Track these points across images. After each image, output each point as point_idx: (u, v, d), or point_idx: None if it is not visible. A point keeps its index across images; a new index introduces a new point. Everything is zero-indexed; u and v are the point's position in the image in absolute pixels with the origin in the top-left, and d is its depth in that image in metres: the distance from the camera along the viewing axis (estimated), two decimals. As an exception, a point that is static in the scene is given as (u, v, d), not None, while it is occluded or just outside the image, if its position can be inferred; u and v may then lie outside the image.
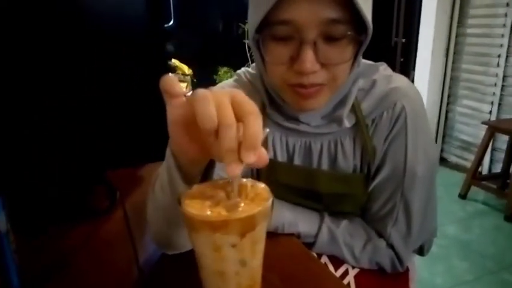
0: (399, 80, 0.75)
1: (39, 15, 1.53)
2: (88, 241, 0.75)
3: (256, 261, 0.42)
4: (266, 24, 0.61)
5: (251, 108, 0.39)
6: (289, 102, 0.70)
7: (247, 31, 0.67)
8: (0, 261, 0.57)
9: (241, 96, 0.40)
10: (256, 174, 0.81)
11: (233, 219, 0.37)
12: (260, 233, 0.40)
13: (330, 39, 0.61)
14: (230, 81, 0.84)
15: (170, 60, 3.11)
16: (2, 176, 0.73)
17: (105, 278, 0.65)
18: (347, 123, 0.73)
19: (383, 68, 0.77)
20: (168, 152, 0.52)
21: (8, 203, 0.59)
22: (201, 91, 0.39)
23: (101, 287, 0.63)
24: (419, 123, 0.73)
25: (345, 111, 0.73)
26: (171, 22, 2.03)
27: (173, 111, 0.44)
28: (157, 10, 1.64)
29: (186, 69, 3.27)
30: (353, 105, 0.73)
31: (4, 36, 1.43)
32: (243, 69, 0.85)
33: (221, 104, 0.38)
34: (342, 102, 0.73)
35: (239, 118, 0.38)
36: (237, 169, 0.38)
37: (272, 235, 0.74)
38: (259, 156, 0.39)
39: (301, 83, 0.64)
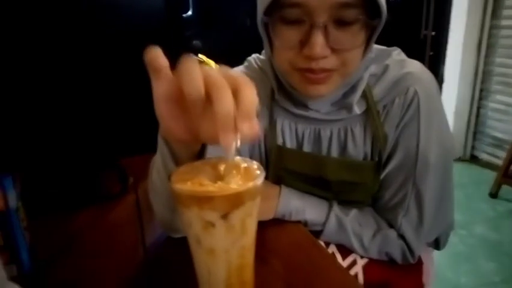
0: (413, 65, 0.73)
1: (61, 9, 1.58)
2: (98, 223, 0.77)
3: (247, 240, 0.41)
4: (276, 6, 0.60)
5: (243, 79, 0.37)
6: (297, 87, 0.69)
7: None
8: (11, 237, 0.59)
9: (231, 70, 0.38)
10: (266, 160, 0.80)
11: (220, 195, 0.37)
12: (249, 211, 0.39)
13: (341, 23, 0.60)
14: (240, 67, 0.84)
15: (197, 55, 3.15)
16: (16, 157, 0.76)
17: (113, 258, 0.66)
18: (357, 110, 0.72)
19: (396, 53, 0.75)
20: (160, 139, 0.51)
21: (21, 183, 0.62)
22: (188, 61, 0.37)
23: (108, 267, 0.64)
24: (433, 109, 0.70)
25: (356, 97, 0.71)
26: (189, 12, 2.04)
27: (159, 86, 0.40)
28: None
29: (213, 64, 3.30)
30: (363, 91, 0.71)
31: (26, 24, 1.48)
32: (253, 55, 0.84)
33: (210, 73, 0.36)
34: (352, 89, 0.71)
35: (232, 90, 0.36)
36: (231, 139, 0.36)
37: (278, 222, 0.74)
38: (254, 129, 0.36)
39: (310, 67, 0.62)
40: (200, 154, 0.49)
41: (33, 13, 1.58)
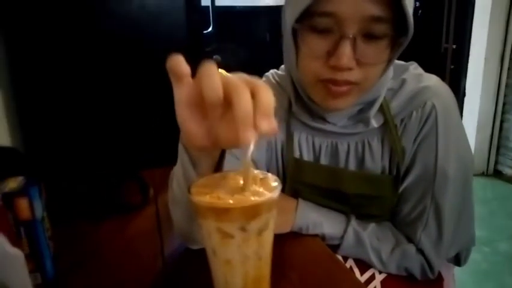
0: (430, 79, 0.73)
1: (89, 30, 1.64)
2: (119, 233, 0.79)
3: (264, 252, 0.42)
4: (306, 15, 0.61)
5: (259, 82, 0.39)
6: (316, 99, 0.69)
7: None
8: (36, 246, 0.61)
9: (248, 75, 0.40)
10: (283, 173, 0.81)
11: (237, 207, 0.38)
12: (266, 223, 0.40)
13: (370, 37, 0.61)
14: None
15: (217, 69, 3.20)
16: (42, 167, 0.79)
17: (133, 268, 0.68)
18: (375, 124, 0.72)
19: (413, 67, 0.75)
20: (181, 147, 0.52)
21: (46, 193, 0.64)
22: (207, 66, 0.39)
23: (128, 277, 0.65)
24: (451, 122, 0.70)
25: (373, 111, 0.71)
26: (210, 28, 2.09)
27: (180, 92, 0.42)
28: (196, 17, 1.70)
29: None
30: (381, 105, 0.72)
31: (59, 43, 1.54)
32: (271, 71, 0.85)
33: (228, 77, 0.39)
34: (370, 103, 0.71)
35: (250, 91, 0.38)
36: (251, 136, 0.37)
37: (296, 235, 0.74)
38: (272, 126, 0.38)
39: (334, 78, 0.63)
40: (219, 163, 0.51)
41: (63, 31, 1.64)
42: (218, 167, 0.51)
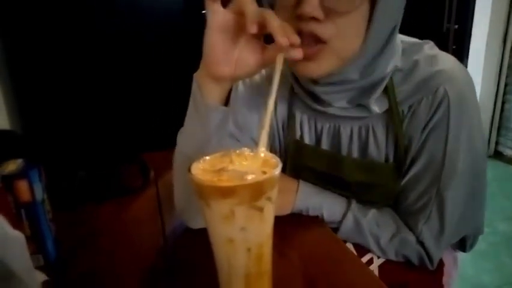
0: (445, 61, 0.67)
1: (86, 15, 1.61)
2: (120, 215, 0.79)
3: (266, 229, 0.42)
4: None
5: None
6: (290, 65, 0.66)
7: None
8: (37, 228, 0.61)
9: None
10: (285, 156, 0.80)
11: (241, 185, 0.38)
12: (268, 200, 0.40)
13: None
14: None
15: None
16: (41, 150, 0.78)
17: (134, 250, 0.68)
18: (377, 109, 0.68)
19: (429, 47, 0.69)
20: (194, 82, 0.58)
21: (47, 176, 0.64)
22: None
23: (129, 258, 0.66)
24: (465, 111, 0.65)
25: (373, 97, 0.67)
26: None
27: (214, 16, 0.51)
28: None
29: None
30: (387, 89, 0.67)
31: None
32: None
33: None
34: (372, 88, 0.67)
35: None
36: (286, 39, 0.47)
37: (297, 216, 0.74)
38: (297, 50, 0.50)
39: (299, 28, 0.57)
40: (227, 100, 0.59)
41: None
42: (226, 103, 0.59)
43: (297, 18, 0.58)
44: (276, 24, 0.47)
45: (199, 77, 0.57)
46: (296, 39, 0.48)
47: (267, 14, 0.48)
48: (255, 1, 0.49)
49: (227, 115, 0.59)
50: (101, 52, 1.69)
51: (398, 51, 0.68)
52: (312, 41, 0.59)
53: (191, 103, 0.60)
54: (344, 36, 0.59)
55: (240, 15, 0.50)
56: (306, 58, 0.58)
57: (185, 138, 0.63)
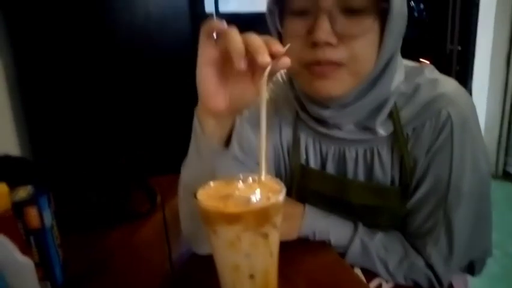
0: (447, 84, 0.68)
1: (97, 40, 1.66)
2: (127, 241, 0.79)
3: (271, 256, 0.42)
4: None
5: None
6: (304, 87, 0.67)
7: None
8: (45, 254, 0.62)
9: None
10: (290, 180, 0.81)
11: (246, 212, 0.39)
12: (273, 226, 0.41)
13: (348, 10, 0.59)
14: None
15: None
16: (51, 176, 0.80)
17: (141, 276, 0.68)
18: (383, 132, 0.69)
19: (429, 71, 0.71)
20: (195, 120, 0.57)
21: (55, 202, 0.65)
22: (230, 28, 0.48)
23: (137, 284, 0.66)
24: (468, 133, 0.66)
25: (379, 120, 0.68)
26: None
27: (205, 52, 0.51)
28: (200, 24, 1.71)
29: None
30: (391, 113, 0.68)
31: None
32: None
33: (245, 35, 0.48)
34: (378, 110, 0.68)
35: None
36: (267, 57, 0.45)
37: (304, 241, 0.74)
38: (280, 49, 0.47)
39: (316, 58, 0.60)
40: (228, 140, 0.58)
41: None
42: (227, 144, 0.58)
43: (311, 46, 0.60)
44: (256, 45, 0.46)
45: (199, 113, 0.57)
46: (279, 48, 0.47)
47: (249, 39, 0.46)
48: (238, 34, 0.47)
49: (226, 154, 0.58)
50: (108, 79, 1.73)
51: (401, 69, 0.69)
52: (329, 64, 0.61)
53: (192, 138, 0.60)
54: (359, 57, 0.61)
55: (227, 50, 0.49)
56: (324, 77, 0.62)
57: (188, 171, 0.63)
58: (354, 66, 0.62)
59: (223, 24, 0.49)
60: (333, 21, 0.58)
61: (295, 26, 0.62)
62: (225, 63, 0.51)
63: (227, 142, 0.59)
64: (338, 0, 0.58)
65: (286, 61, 0.48)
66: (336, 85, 0.63)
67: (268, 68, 0.45)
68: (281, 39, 0.66)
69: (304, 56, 0.62)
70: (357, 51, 0.60)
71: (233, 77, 0.53)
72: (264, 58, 0.45)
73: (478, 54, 3.21)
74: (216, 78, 0.52)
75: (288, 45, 0.48)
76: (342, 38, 0.59)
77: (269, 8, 0.64)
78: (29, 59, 1.65)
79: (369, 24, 0.59)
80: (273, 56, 0.46)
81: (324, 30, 0.58)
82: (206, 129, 0.57)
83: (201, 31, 0.50)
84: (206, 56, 0.51)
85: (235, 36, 0.47)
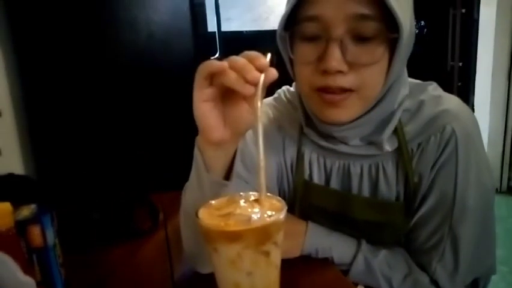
0: (450, 101, 0.70)
1: (101, 61, 1.69)
2: (129, 259, 0.79)
3: (273, 274, 0.42)
4: (294, 22, 0.62)
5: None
6: (315, 111, 0.68)
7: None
8: (48, 273, 0.62)
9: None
10: (293, 196, 0.80)
11: (247, 230, 0.39)
12: (274, 244, 0.41)
13: (359, 38, 0.59)
14: (270, 99, 0.84)
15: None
16: (54, 195, 0.80)
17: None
18: (388, 147, 0.69)
19: (432, 88, 0.72)
20: (196, 149, 0.56)
21: (58, 220, 0.65)
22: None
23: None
24: (472, 149, 0.67)
25: (386, 134, 0.69)
26: (217, 54, 2.15)
27: (200, 92, 0.50)
28: (203, 43, 1.74)
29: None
30: (396, 129, 0.69)
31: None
32: (284, 87, 0.84)
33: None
34: (384, 124, 0.69)
35: None
36: (255, 73, 0.46)
37: (307, 259, 0.73)
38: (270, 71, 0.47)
39: (327, 85, 0.61)
40: (230, 168, 0.57)
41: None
42: (229, 171, 0.57)
43: (321, 72, 0.61)
44: (240, 64, 0.47)
45: (200, 143, 0.56)
46: (263, 61, 0.47)
47: (231, 63, 0.47)
48: (229, 70, 0.47)
49: (228, 186, 0.57)
50: (112, 99, 1.75)
51: (406, 83, 0.70)
52: (338, 90, 0.62)
53: (193, 167, 0.59)
54: (369, 84, 0.63)
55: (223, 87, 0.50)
56: (334, 105, 0.63)
57: (189, 197, 0.62)
58: (364, 92, 0.63)
59: (220, 64, 0.48)
60: (344, 50, 0.59)
61: (306, 52, 0.62)
62: (220, 96, 0.52)
63: (230, 169, 0.58)
64: (349, 28, 0.59)
65: (273, 72, 0.48)
66: (346, 112, 0.65)
67: (261, 83, 0.46)
68: (292, 64, 0.68)
69: (315, 81, 0.63)
70: (366, 77, 0.62)
71: (229, 102, 0.53)
72: (253, 74, 0.46)
73: (479, 69, 3.23)
74: (215, 110, 0.52)
75: (269, 55, 0.49)
76: (353, 65, 0.60)
77: (279, 34, 0.65)
78: (34, 81, 1.68)
79: (380, 53, 0.60)
80: (260, 70, 0.47)
81: (335, 59, 0.58)
82: (208, 161, 0.56)
83: (197, 73, 0.50)
84: (203, 94, 0.51)
85: (228, 71, 0.47)
